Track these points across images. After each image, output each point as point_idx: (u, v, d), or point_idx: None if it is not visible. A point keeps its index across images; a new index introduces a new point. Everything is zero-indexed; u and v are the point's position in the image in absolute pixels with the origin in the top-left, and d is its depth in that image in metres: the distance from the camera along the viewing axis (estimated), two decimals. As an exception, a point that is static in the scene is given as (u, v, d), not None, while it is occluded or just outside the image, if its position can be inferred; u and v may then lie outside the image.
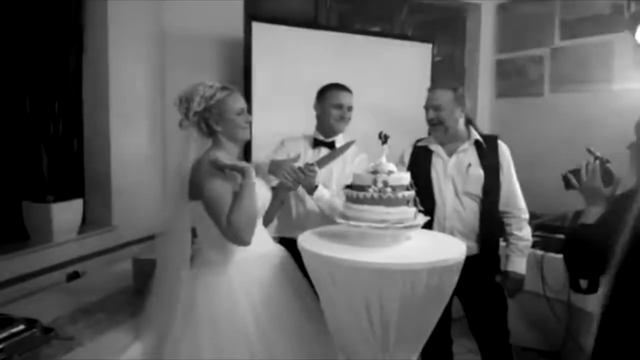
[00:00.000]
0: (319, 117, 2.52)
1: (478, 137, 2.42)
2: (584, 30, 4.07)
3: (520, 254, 2.44)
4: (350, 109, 2.49)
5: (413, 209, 1.83)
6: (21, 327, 1.75)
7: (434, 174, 2.41)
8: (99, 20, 3.02)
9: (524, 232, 2.45)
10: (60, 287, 2.53)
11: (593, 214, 1.62)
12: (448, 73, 4.85)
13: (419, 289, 1.62)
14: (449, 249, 1.82)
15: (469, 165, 2.36)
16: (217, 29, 3.50)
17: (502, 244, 2.53)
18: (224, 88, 1.89)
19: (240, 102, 1.91)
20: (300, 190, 2.33)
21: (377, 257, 1.64)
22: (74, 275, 2.70)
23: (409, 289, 1.61)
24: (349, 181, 2.20)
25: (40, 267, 2.60)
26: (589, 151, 1.73)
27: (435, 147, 2.45)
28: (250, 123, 1.95)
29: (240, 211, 1.72)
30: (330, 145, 2.46)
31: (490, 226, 2.40)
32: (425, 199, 2.33)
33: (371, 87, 3.83)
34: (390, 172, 1.80)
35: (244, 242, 1.76)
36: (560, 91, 4.26)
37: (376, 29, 4.52)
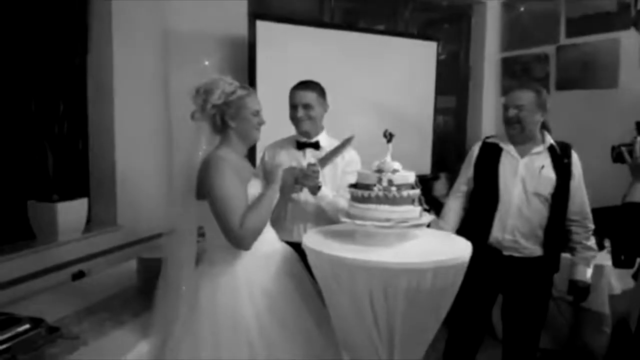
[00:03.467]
0: None
1: (553, 142, 2.42)
2: (589, 28, 4.05)
3: (587, 264, 2.45)
4: (306, 107, 2.35)
5: (418, 208, 1.82)
6: (26, 326, 1.75)
7: (501, 172, 2.41)
8: (103, 21, 3.03)
9: (592, 243, 2.46)
10: (65, 287, 2.53)
11: (639, 192, 1.61)
12: (453, 71, 4.84)
13: (424, 289, 1.61)
14: (454, 248, 1.81)
15: (542, 167, 2.37)
16: (221, 27, 3.50)
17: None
18: (243, 87, 1.90)
19: (257, 104, 1.92)
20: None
21: (383, 256, 1.63)
22: (79, 275, 2.71)
23: (414, 289, 1.60)
24: (341, 181, 2.18)
25: (45, 267, 2.61)
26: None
27: (506, 146, 2.45)
28: (262, 125, 1.95)
29: (257, 216, 1.75)
30: (315, 146, 2.40)
31: (555, 231, 2.40)
32: (489, 195, 2.40)
33: (375, 85, 3.83)
34: (395, 171, 1.79)
35: (247, 247, 1.76)
36: (566, 89, 4.24)
37: (381, 27, 4.52)
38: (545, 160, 2.39)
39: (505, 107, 2.42)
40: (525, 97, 2.37)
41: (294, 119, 2.38)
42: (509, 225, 2.36)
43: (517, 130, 2.39)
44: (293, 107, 2.38)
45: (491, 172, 2.43)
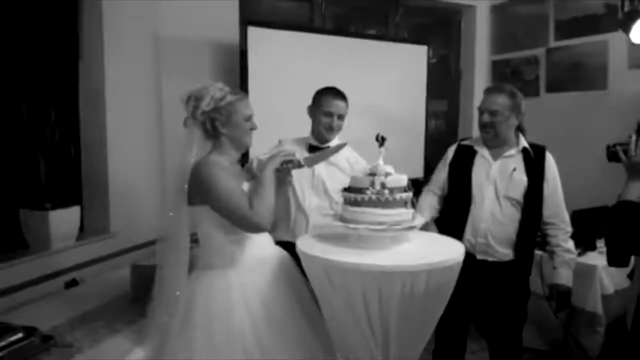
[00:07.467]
0: (312, 122, 2.51)
1: (526, 145, 2.40)
2: (578, 31, 4.09)
3: (567, 267, 2.41)
4: (341, 117, 2.44)
5: (411, 211, 1.83)
6: (20, 335, 1.75)
7: (474, 175, 2.40)
8: (94, 27, 3.03)
9: (570, 245, 2.43)
10: (58, 295, 2.52)
11: (634, 190, 1.62)
12: (444, 75, 4.87)
13: (418, 291, 1.61)
14: (447, 250, 1.82)
15: (514, 169, 2.34)
16: (212, 33, 3.50)
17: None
18: (234, 92, 1.90)
19: (249, 109, 1.91)
20: (299, 192, 2.36)
21: (376, 259, 1.64)
22: (73, 283, 2.70)
23: (408, 291, 1.60)
24: None
25: (38, 275, 2.59)
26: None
27: (480, 149, 2.43)
28: (254, 130, 1.94)
29: (262, 196, 1.78)
30: None
31: (528, 235, 2.38)
32: (462, 198, 2.39)
33: (367, 89, 3.84)
34: (387, 174, 1.80)
35: (266, 226, 1.79)
36: (556, 91, 4.28)
37: (371, 31, 4.53)
38: (518, 163, 2.36)
39: (480, 112, 2.40)
40: (500, 101, 2.33)
41: (329, 127, 2.43)
42: (481, 229, 2.34)
43: (490, 134, 2.37)
44: (329, 114, 2.43)
45: (465, 175, 2.41)
